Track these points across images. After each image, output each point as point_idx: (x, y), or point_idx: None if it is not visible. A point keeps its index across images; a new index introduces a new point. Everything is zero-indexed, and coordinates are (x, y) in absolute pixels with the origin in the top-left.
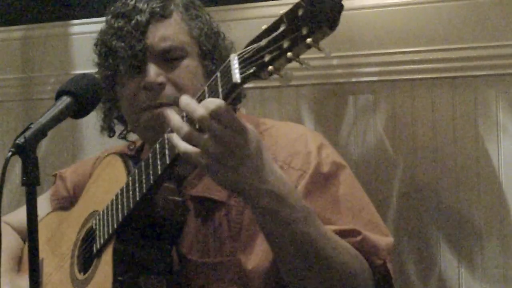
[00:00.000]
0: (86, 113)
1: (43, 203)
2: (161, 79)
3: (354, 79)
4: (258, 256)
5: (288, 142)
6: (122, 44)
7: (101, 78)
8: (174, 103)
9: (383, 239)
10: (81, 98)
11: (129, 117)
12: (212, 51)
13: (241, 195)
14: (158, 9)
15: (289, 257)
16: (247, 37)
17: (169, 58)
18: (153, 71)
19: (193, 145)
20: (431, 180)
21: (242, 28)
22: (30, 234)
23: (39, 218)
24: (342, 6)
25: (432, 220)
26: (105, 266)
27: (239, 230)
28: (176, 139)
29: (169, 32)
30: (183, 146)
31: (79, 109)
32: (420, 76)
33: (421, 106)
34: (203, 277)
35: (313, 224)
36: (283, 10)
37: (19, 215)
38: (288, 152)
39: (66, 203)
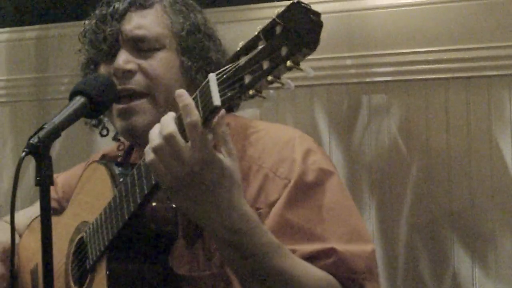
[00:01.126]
0: (100, 113)
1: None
2: (130, 66)
3: (368, 79)
4: None
5: (275, 148)
6: (96, 28)
7: (82, 65)
8: (146, 91)
9: (362, 254)
10: (95, 98)
11: None
12: (192, 48)
13: (202, 226)
14: None
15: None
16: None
17: (143, 48)
18: (122, 58)
19: (160, 160)
20: (445, 179)
21: (245, 29)
22: (44, 233)
23: (31, 217)
24: (321, 24)
25: (446, 220)
26: (99, 283)
27: None
28: (148, 148)
29: (145, 21)
30: (151, 156)
31: (93, 109)
32: (434, 76)
33: (435, 106)
34: None
35: (279, 258)
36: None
37: (17, 216)
38: (274, 159)
39: (55, 204)
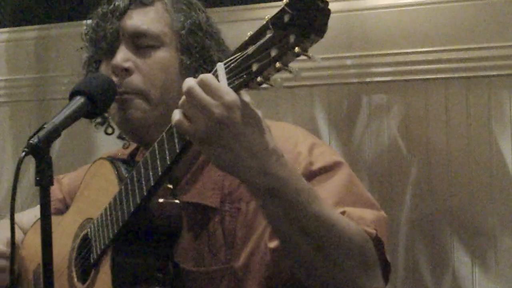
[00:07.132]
0: (100, 113)
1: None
2: (127, 64)
3: (368, 79)
4: (250, 260)
5: (278, 143)
6: (96, 26)
7: (83, 64)
8: (142, 91)
9: (372, 212)
10: (94, 98)
11: None
12: (192, 47)
13: (238, 177)
14: None
15: (295, 240)
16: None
17: (142, 45)
18: (121, 55)
19: (188, 116)
20: (445, 179)
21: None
22: (44, 234)
23: (33, 219)
24: (329, 11)
25: (446, 219)
26: (103, 277)
27: (233, 237)
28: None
29: (146, 18)
30: (176, 115)
31: (92, 109)
32: (434, 76)
33: (435, 106)
34: (198, 286)
35: (316, 204)
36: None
37: (23, 214)
38: None
39: (60, 205)
